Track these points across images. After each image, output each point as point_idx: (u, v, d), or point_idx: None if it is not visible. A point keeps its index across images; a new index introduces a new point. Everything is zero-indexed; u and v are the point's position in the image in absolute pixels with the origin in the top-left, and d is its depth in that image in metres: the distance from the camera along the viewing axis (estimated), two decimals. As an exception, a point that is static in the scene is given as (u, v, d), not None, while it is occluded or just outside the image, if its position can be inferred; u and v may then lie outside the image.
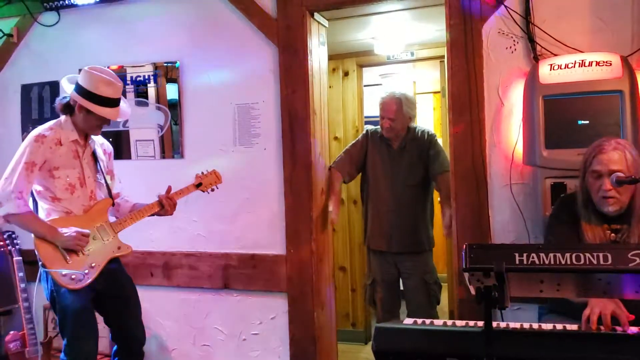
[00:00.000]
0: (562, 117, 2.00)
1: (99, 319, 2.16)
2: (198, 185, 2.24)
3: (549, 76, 2.02)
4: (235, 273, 2.64)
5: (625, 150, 1.65)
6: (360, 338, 3.55)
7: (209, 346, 2.73)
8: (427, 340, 1.41)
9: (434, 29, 3.08)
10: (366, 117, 3.75)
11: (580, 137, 1.94)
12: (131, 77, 2.78)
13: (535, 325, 1.46)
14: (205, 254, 2.69)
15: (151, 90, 2.76)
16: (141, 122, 2.78)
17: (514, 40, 2.21)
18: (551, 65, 2.04)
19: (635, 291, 1.27)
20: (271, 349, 2.61)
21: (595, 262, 1.18)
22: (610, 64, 1.96)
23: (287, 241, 2.54)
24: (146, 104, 2.78)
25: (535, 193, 2.11)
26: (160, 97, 2.75)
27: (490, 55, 2.24)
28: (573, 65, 2.00)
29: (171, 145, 2.75)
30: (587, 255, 1.19)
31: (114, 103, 2.07)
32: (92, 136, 2.16)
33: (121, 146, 2.80)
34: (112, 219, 2.19)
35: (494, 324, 1.33)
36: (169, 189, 2.20)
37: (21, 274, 2.58)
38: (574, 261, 1.19)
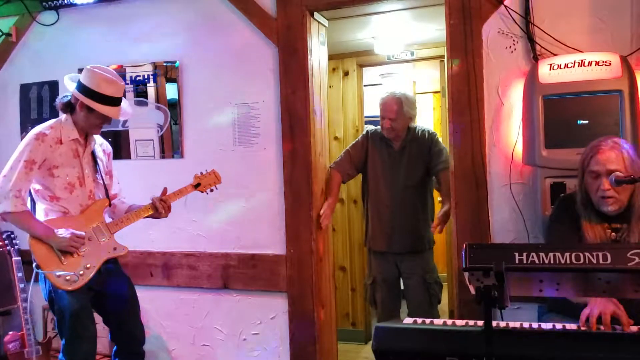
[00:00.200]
0: (562, 116, 2.00)
1: (98, 318, 2.16)
2: (197, 186, 2.23)
3: (549, 76, 2.02)
4: (235, 273, 2.64)
5: (623, 150, 1.65)
6: (360, 338, 3.55)
7: (208, 346, 2.72)
8: (427, 340, 1.41)
9: (434, 28, 3.08)
10: (366, 117, 3.75)
11: (580, 137, 1.94)
12: (131, 77, 2.78)
13: (535, 325, 1.46)
14: (205, 254, 2.69)
15: (151, 89, 2.76)
16: (141, 121, 2.77)
17: (513, 40, 2.21)
18: (551, 65, 2.04)
19: (634, 290, 1.27)
20: (271, 348, 2.61)
21: (594, 261, 1.18)
22: (610, 64, 1.96)
23: (287, 241, 2.54)
24: (146, 104, 2.78)
25: (534, 193, 2.12)
26: (159, 96, 2.75)
27: (490, 55, 2.24)
28: (572, 65, 2.00)
29: (171, 145, 2.74)
30: (587, 254, 1.19)
31: (115, 102, 2.07)
32: (92, 136, 2.16)
33: (121, 146, 2.80)
34: (108, 219, 2.18)
35: (494, 323, 1.33)
36: (165, 190, 2.18)
37: (20, 274, 2.57)
38: (574, 261, 1.19)
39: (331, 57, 3.17)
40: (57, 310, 2.02)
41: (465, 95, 2.24)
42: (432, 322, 1.49)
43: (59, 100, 2.11)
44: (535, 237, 2.16)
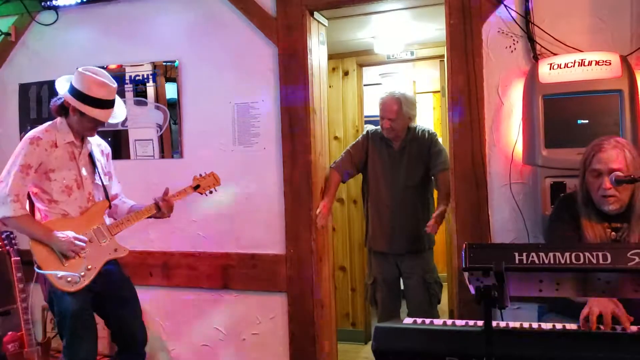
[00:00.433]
0: (562, 116, 2.00)
1: (98, 319, 2.16)
2: (196, 188, 2.22)
3: (549, 75, 2.02)
4: (235, 273, 2.63)
5: (625, 149, 1.65)
6: (360, 338, 3.55)
7: (208, 346, 2.72)
8: (427, 340, 1.41)
9: (433, 28, 3.07)
10: (366, 116, 3.75)
11: (580, 137, 1.93)
12: (130, 77, 2.77)
13: (535, 325, 1.46)
14: (204, 254, 2.68)
15: (150, 89, 2.75)
16: (140, 121, 2.77)
17: (513, 40, 2.21)
18: (551, 64, 2.03)
19: (634, 290, 1.27)
20: (271, 348, 2.61)
21: (594, 261, 1.18)
22: (610, 64, 1.96)
23: (286, 241, 2.54)
24: (145, 104, 2.77)
25: (534, 192, 2.11)
26: (159, 96, 2.75)
27: (490, 54, 2.24)
28: (572, 64, 2.00)
29: (170, 144, 2.74)
30: (587, 254, 1.19)
31: (107, 104, 2.05)
32: (89, 137, 2.15)
33: (120, 146, 2.79)
34: (109, 220, 2.18)
35: (494, 323, 1.33)
36: (167, 191, 2.18)
37: (19, 275, 2.57)
38: (574, 260, 1.19)
39: (331, 57, 3.17)
40: (58, 311, 2.02)
41: (465, 95, 2.24)
42: (432, 322, 1.48)
43: (53, 103, 2.10)
44: (536, 236, 2.15)
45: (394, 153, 2.70)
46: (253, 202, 2.61)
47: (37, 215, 2.08)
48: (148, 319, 2.68)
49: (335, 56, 3.48)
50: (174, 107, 2.73)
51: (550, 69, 2.03)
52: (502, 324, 1.47)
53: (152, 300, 2.72)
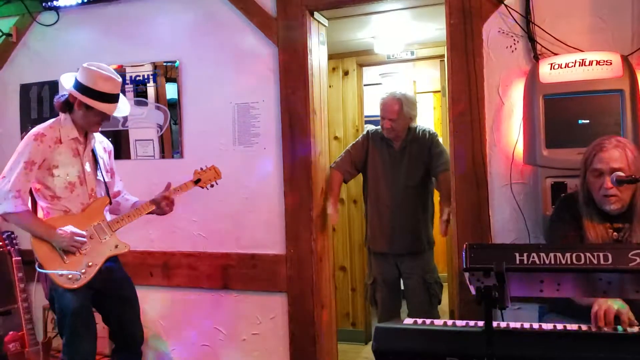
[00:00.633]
0: (563, 116, 2.00)
1: (98, 318, 2.16)
2: (197, 182, 2.23)
3: (549, 75, 2.02)
4: (235, 273, 2.63)
5: (626, 149, 1.65)
6: (361, 338, 3.55)
7: (208, 346, 2.72)
8: (427, 340, 1.40)
9: (434, 28, 3.07)
10: (366, 116, 3.75)
11: (581, 137, 1.93)
12: (130, 77, 2.77)
13: (536, 325, 1.45)
14: (205, 254, 2.68)
15: (150, 89, 2.76)
16: (140, 121, 2.77)
17: (514, 40, 2.20)
18: (551, 64, 2.03)
19: (635, 291, 1.26)
20: (271, 348, 2.61)
21: (595, 261, 1.18)
22: (611, 63, 1.95)
23: (287, 241, 2.54)
24: (145, 104, 2.77)
25: (535, 192, 2.11)
26: (159, 96, 2.75)
27: (491, 54, 2.23)
28: (573, 64, 1.99)
29: (171, 144, 2.74)
30: (588, 255, 1.19)
31: (113, 99, 2.06)
32: (92, 134, 2.15)
33: (120, 146, 2.79)
34: (109, 216, 2.18)
35: (494, 323, 1.32)
36: (168, 185, 2.19)
37: (20, 274, 2.57)
38: (574, 261, 1.19)
39: (331, 57, 3.17)
40: (58, 309, 2.02)
41: (466, 95, 2.24)
42: (432, 323, 1.48)
43: (57, 99, 2.11)
44: (536, 237, 2.15)
45: (394, 153, 2.70)
46: (253, 202, 2.61)
47: (39, 213, 2.08)
48: (148, 318, 2.69)
49: (336, 56, 3.48)
50: (174, 107, 2.73)
51: (550, 69, 2.02)
52: (503, 324, 1.46)
53: (152, 300, 2.72)
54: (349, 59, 3.57)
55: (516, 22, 2.19)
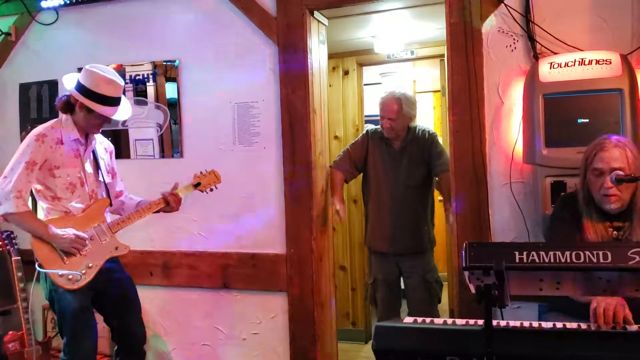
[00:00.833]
0: (562, 115, 2.00)
1: (99, 318, 2.16)
2: (197, 185, 2.24)
3: (549, 75, 2.02)
4: (235, 272, 2.63)
5: (626, 148, 1.65)
6: (361, 337, 3.55)
7: (208, 346, 2.72)
8: (427, 339, 1.41)
9: (434, 27, 3.07)
10: (366, 116, 3.75)
11: (580, 136, 1.93)
12: (130, 76, 2.77)
13: (535, 324, 1.45)
14: (205, 254, 2.68)
15: (150, 89, 2.75)
16: (140, 121, 2.77)
17: (514, 39, 2.21)
18: (551, 63, 2.03)
19: (635, 289, 1.26)
20: (271, 348, 2.61)
21: (595, 260, 1.18)
22: (610, 63, 1.95)
23: (287, 240, 2.54)
24: (145, 103, 2.77)
25: (535, 192, 2.11)
26: (159, 96, 2.75)
27: (490, 53, 2.24)
28: (573, 63, 1.99)
29: (170, 144, 2.74)
30: (587, 253, 1.19)
31: (114, 102, 2.07)
32: (93, 135, 2.15)
33: (120, 145, 2.79)
34: (112, 217, 2.18)
35: (494, 322, 1.32)
36: (176, 185, 2.21)
37: (20, 274, 2.57)
38: (574, 259, 1.19)
39: (331, 56, 3.17)
40: (58, 309, 2.03)
41: (466, 94, 2.24)
42: (432, 322, 1.48)
43: (59, 100, 2.11)
44: (536, 236, 2.15)
45: (394, 153, 2.70)
46: (253, 201, 2.61)
47: (40, 213, 2.08)
48: (149, 318, 2.69)
49: (336, 55, 3.48)
50: (174, 106, 2.73)
51: (550, 68, 2.02)
52: (503, 323, 1.47)
53: (152, 299, 2.72)
54: (349, 59, 3.57)
55: (516, 21, 2.19)
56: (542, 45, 2.15)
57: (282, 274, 2.55)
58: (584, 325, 1.45)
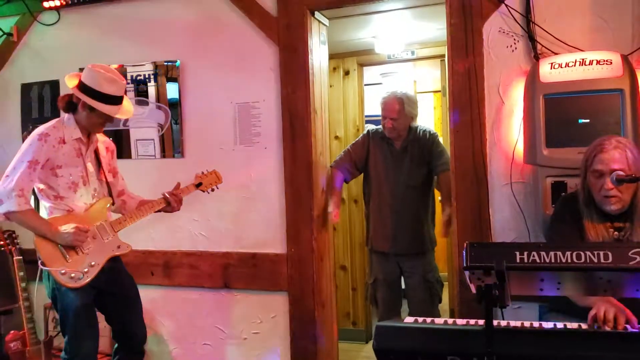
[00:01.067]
0: (563, 115, 2.00)
1: (100, 317, 2.16)
2: (198, 185, 2.25)
3: (550, 75, 2.02)
4: (236, 272, 2.64)
5: (626, 149, 1.65)
6: (361, 337, 3.55)
7: (209, 345, 2.73)
8: (428, 339, 1.41)
9: (434, 27, 3.07)
10: (367, 116, 3.75)
11: (581, 136, 1.93)
12: (131, 76, 2.78)
13: (536, 324, 1.46)
14: (205, 253, 2.69)
15: (151, 89, 2.76)
16: (141, 121, 2.78)
17: (514, 39, 2.21)
18: (552, 64, 2.03)
19: (636, 289, 1.27)
20: (272, 348, 2.61)
21: (595, 260, 1.18)
22: (611, 63, 1.96)
23: (287, 240, 2.55)
24: (146, 103, 2.78)
25: (535, 192, 2.11)
26: (160, 96, 2.75)
27: (491, 54, 2.24)
28: (573, 64, 2.00)
29: (171, 144, 2.75)
30: (588, 253, 1.19)
31: (117, 101, 2.07)
32: (95, 134, 2.16)
33: (121, 145, 2.79)
34: (114, 216, 2.19)
35: (495, 322, 1.32)
36: (178, 185, 2.21)
37: (21, 273, 2.58)
38: (575, 260, 1.19)
39: (332, 57, 3.17)
40: (61, 307, 2.03)
41: (466, 95, 2.24)
42: (432, 321, 1.48)
43: (61, 99, 2.11)
44: (537, 236, 2.15)
45: (396, 153, 2.70)
46: (254, 201, 2.61)
47: (42, 212, 2.09)
48: (149, 318, 2.69)
49: (336, 56, 3.49)
50: (175, 106, 2.73)
51: (551, 69, 2.02)
52: (503, 323, 1.47)
53: (153, 299, 2.72)
54: (350, 59, 3.57)
55: (516, 21, 2.19)
56: (542, 46, 2.15)
57: (282, 273, 2.56)
58: (584, 326, 1.45)
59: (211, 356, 2.72)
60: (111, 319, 2.22)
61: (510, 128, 2.23)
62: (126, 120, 2.77)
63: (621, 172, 1.61)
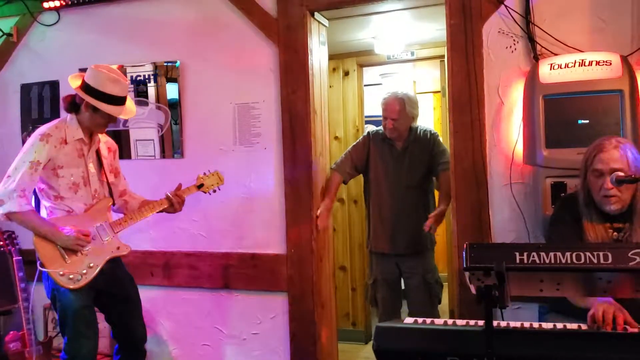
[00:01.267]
0: (562, 116, 2.00)
1: (100, 317, 2.16)
2: (200, 187, 2.25)
3: (549, 76, 2.02)
4: (236, 273, 2.64)
5: (626, 149, 1.65)
6: (361, 338, 3.55)
7: (209, 346, 2.73)
8: (427, 340, 1.41)
9: (434, 28, 3.08)
10: (366, 116, 3.75)
11: (580, 137, 1.94)
12: (131, 77, 2.78)
13: (536, 325, 1.46)
14: (205, 254, 2.69)
15: (151, 89, 2.76)
16: (141, 121, 2.78)
17: (514, 40, 2.21)
18: (551, 64, 2.04)
19: (635, 290, 1.27)
20: (271, 348, 2.61)
21: (595, 261, 1.19)
22: (610, 64, 1.96)
23: (287, 240, 2.55)
24: (146, 104, 2.78)
25: (535, 192, 2.11)
26: (160, 96, 2.75)
27: (491, 54, 2.24)
28: (573, 64, 2.00)
29: (171, 144, 2.75)
30: (588, 254, 1.19)
31: (120, 101, 2.07)
32: (97, 135, 2.16)
33: (121, 146, 2.78)
34: (114, 216, 2.19)
35: (494, 323, 1.32)
36: (179, 186, 2.22)
37: (21, 274, 2.57)
38: (574, 260, 1.20)
39: (331, 57, 3.17)
40: (60, 308, 2.03)
41: (466, 95, 2.24)
42: (432, 322, 1.48)
43: (64, 100, 2.11)
44: (536, 237, 2.16)
45: (396, 153, 2.70)
46: (254, 202, 2.61)
47: (43, 212, 2.09)
48: (149, 318, 2.69)
49: (336, 56, 3.49)
50: (175, 107, 2.73)
51: (550, 69, 2.03)
52: (503, 323, 1.47)
53: (153, 299, 2.72)
54: (350, 60, 3.57)
55: (516, 22, 2.19)
56: (542, 47, 2.15)
57: (282, 274, 2.56)
58: (584, 326, 1.45)
59: (211, 356, 2.72)
60: (111, 319, 2.22)
61: (509, 129, 2.23)
62: (126, 121, 2.77)
63: (621, 173, 1.61)
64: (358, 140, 2.87)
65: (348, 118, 3.57)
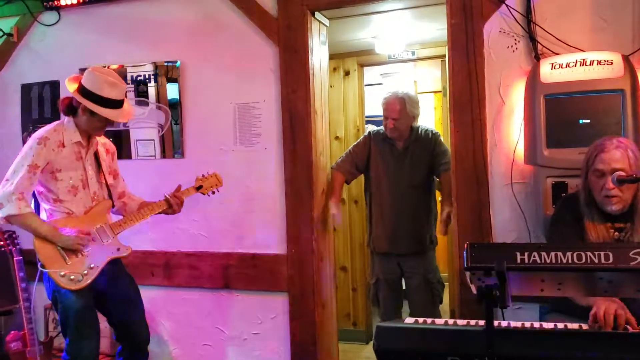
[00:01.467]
0: (564, 116, 2.00)
1: (101, 318, 2.16)
2: (198, 188, 2.25)
3: (550, 75, 2.02)
4: (236, 273, 2.64)
5: (628, 149, 1.65)
6: (361, 338, 3.55)
7: (209, 346, 2.73)
8: (428, 340, 1.41)
9: (435, 28, 3.07)
10: (367, 116, 3.75)
11: (582, 136, 1.93)
12: (131, 77, 2.78)
13: (537, 324, 1.45)
14: (206, 254, 2.69)
15: (151, 89, 2.76)
16: (141, 121, 2.78)
17: (515, 39, 2.21)
18: (552, 64, 2.03)
19: (636, 290, 1.26)
20: (272, 348, 2.61)
21: (596, 261, 1.18)
22: (612, 63, 1.96)
23: (288, 241, 2.54)
24: (146, 104, 2.78)
25: (536, 192, 2.11)
26: (160, 96, 2.75)
27: (492, 54, 2.24)
28: (574, 64, 1.99)
29: (172, 144, 2.74)
30: (589, 254, 1.19)
31: (117, 104, 2.07)
32: (95, 137, 2.16)
33: (121, 146, 2.79)
34: (114, 218, 2.19)
35: (495, 323, 1.32)
36: (179, 187, 2.21)
37: (22, 274, 2.58)
38: (575, 260, 1.19)
39: (332, 57, 3.17)
40: (61, 309, 2.03)
41: (467, 95, 2.24)
42: (433, 322, 1.48)
43: (61, 103, 2.11)
44: (537, 236, 2.15)
45: (397, 153, 2.70)
46: (254, 202, 2.61)
47: (42, 215, 2.09)
48: (150, 318, 2.67)
49: (336, 56, 3.48)
50: (175, 107, 2.73)
51: (551, 69, 2.02)
52: (504, 323, 1.47)
53: (153, 299, 2.72)
54: (350, 59, 3.57)
55: (517, 21, 2.19)
56: (543, 46, 2.15)
57: (282, 274, 2.56)
58: (585, 326, 1.45)
59: (211, 356, 2.71)
60: (113, 320, 2.22)
61: (510, 128, 2.22)
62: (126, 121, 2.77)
63: (622, 173, 1.61)
64: (359, 140, 2.87)
65: (349, 118, 3.56)
